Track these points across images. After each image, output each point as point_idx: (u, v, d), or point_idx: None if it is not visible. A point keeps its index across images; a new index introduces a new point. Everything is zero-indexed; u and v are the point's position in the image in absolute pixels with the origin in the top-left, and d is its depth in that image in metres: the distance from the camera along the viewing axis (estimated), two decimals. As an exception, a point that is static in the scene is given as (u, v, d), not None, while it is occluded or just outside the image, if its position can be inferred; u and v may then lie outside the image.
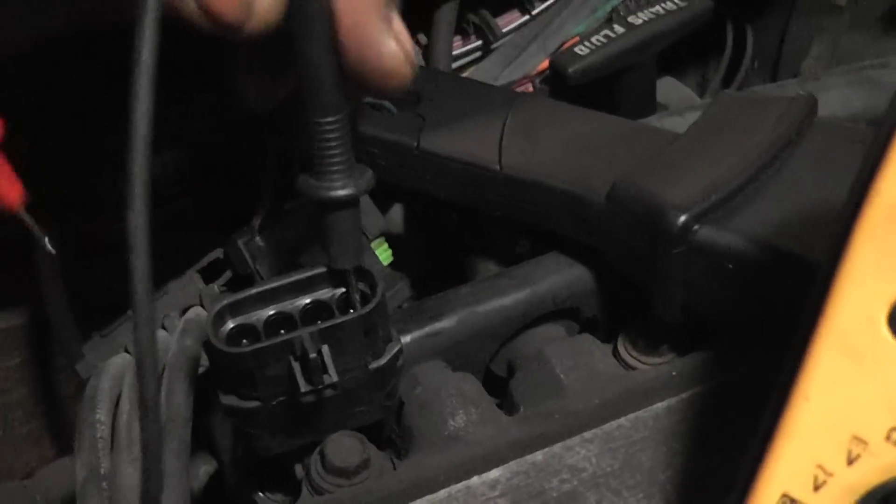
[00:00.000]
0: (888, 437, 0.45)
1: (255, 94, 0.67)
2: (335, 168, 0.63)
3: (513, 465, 0.65)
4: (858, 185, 0.46)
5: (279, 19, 0.57)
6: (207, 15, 0.55)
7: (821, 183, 0.70)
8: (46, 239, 0.72)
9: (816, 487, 0.46)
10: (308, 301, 0.66)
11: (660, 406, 0.68)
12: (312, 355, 0.63)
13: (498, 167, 0.75)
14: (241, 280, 0.79)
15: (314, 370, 0.63)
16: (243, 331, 0.66)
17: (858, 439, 0.46)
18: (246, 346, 0.64)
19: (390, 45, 0.61)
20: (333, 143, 0.62)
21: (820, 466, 0.46)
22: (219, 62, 0.67)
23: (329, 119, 0.61)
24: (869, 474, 0.46)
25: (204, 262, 0.83)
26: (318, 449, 0.69)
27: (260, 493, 0.73)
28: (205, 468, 0.77)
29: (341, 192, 0.63)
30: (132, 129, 0.51)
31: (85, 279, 0.91)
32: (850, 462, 0.46)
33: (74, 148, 0.91)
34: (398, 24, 0.62)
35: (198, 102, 0.86)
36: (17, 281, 0.97)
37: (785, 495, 0.47)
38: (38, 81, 0.85)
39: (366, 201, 0.78)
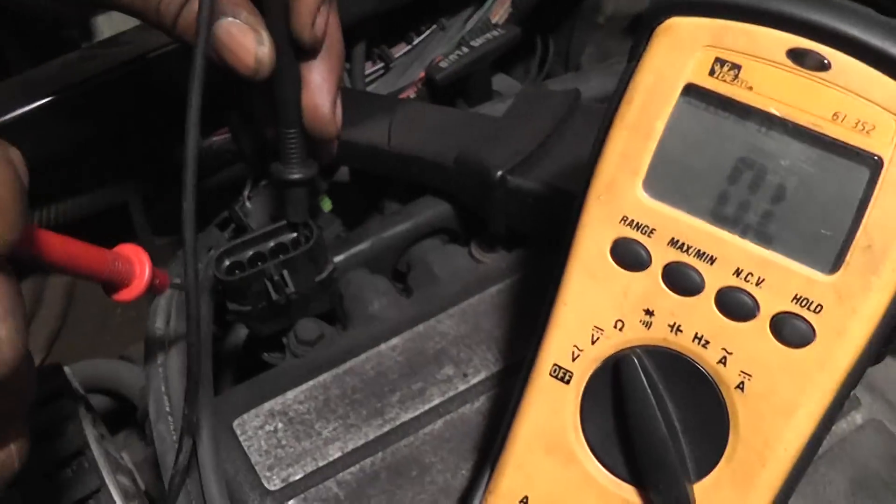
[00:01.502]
0: (615, 326, 0.43)
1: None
2: (293, 160, 0.61)
3: (406, 334, 0.62)
4: (589, 166, 0.43)
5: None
6: (242, 69, 0.56)
7: (583, 145, 0.63)
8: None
9: (574, 359, 0.44)
10: (273, 243, 0.63)
11: (494, 289, 0.64)
12: (277, 278, 0.60)
13: (388, 147, 0.70)
14: (240, 229, 0.76)
15: (279, 286, 0.60)
16: (234, 265, 0.62)
17: (597, 328, 0.43)
18: (236, 276, 0.60)
19: (331, 130, 0.62)
20: (293, 145, 0.60)
21: (575, 346, 0.44)
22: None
23: (290, 130, 0.60)
24: (604, 349, 0.43)
25: (218, 219, 0.79)
26: (292, 329, 0.65)
27: (266, 353, 0.69)
28: (243, 332, 0.73)
29: (295, 176, 0.61)
30: (187, 144, 0.50)
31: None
32: (593, 342, 0.43)
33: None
34: (339, 109, 0.62)
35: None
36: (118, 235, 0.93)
37: (555, 364, 0.44)
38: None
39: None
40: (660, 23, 0.40)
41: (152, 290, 0.51)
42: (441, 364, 0.60)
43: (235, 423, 0.58)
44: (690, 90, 0.39)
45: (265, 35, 0.56)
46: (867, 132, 0.37)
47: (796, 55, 0.38)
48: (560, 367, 0.43)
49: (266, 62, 0.56)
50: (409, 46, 0.90)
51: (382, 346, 0.61)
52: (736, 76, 0.38)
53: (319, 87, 0.60)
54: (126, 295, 0.49)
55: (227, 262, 0.61)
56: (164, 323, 0.64)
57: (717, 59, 0.39)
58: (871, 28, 0.37)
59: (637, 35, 0.41)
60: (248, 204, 0.73)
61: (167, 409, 0.58)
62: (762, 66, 0.38)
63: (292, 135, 0.59)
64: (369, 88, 0.88)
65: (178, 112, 0.81)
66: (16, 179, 0.35)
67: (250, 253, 0.61)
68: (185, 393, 0.52)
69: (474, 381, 0.59)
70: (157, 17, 0.56)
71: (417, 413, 0.58)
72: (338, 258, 0.68)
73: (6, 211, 0.34)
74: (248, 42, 0.56)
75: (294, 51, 0.58)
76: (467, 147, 0.66)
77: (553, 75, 1.06)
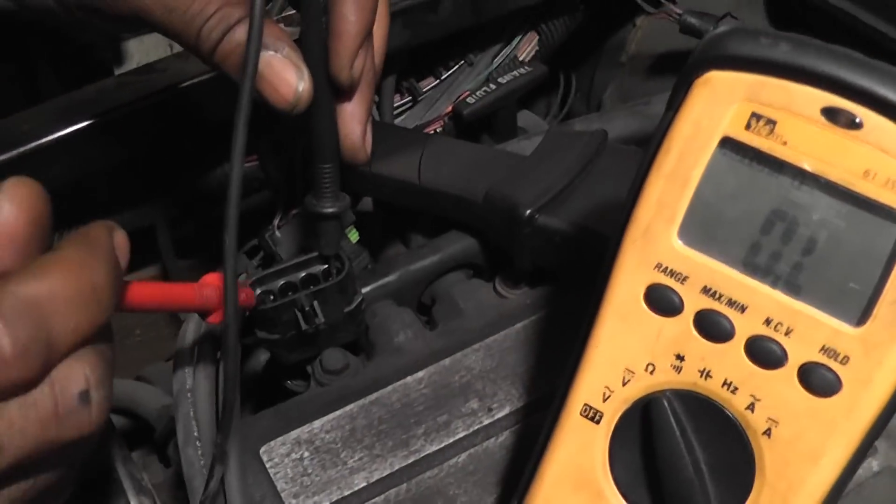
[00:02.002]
0: (646, 369, 0.44)
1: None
2: (326, 194, 0.61)
3: (431, 368, 0.63)
4: (625, 211, 0.44)
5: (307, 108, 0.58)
6: (280, 103, 0.57)
7: (609, 185, 0.67)
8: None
9: (605, 399, 0.45)
10: (304, 274, 0.64)
11: (520, 325, 0.66)
12: (307, 308, 0.61)
13: (418, 181, 0.72)
14: (269, 258, 0.77)
15: (309, 317, 0.61)
16: (266, 293, 0.63)
17: (629, 370, 0.44)
18: (267, 305, 0.61)
19: (361, 158, 0.64)
20: (327, 179, 0.61)
21: (606, 386, 0.45)
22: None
23: (326, 165, 0.61)
24: (635, 390, 0.44)
25: (247, 246, 0.81)
26: (318, 358, 0.66)
27: (289, 381, 0.70)
28: (264, 356, 0.75)
29: (329, 210, 0.62)
30: (232, 169, 0.48)
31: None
32: (624, 384, 0.45)
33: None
34: (369, 137, 0.64)
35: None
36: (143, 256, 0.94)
37: (586, 404, 0.45)
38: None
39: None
40: (699, 75, 0.41)
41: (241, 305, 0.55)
42: (466, 398, 0.61)
43: (262, 449, 0.59)
44: (727, 142, 0.41)
45: (305, 71, 0.57)
46: (897, 190, 0.39)
47: (830, 113, 0.39)
48: (591, 407, 0.45)
49: (305, 98, 0.57)
50: (437, 81, 0.92)
51: (408, 379, 0.62)
52: (771, 131, 0.40)
53: (351, 116, 0.62)
54: (219, 317, 0.54)
55: (258, 291, 0.62)
56: (192, 348, 0.65)
57: (754, 114, 0.40)
58: (904, 90, 0.38)
59: (676, 86, 0.43)
60: (277, 233, 0.74)
61: (195, 433, 0.59)
62: (797, 121, 0.40)
63: (327, 169, 0.60)
64: (396, 121, 0.90)
65: (207, 138, 0.83)
66: (112, 264, 0.40)
67: (281, 282, 0.63)
68: (218, 422, 0.53)
69: (499, 415, 0.60)
70: (197, 41, 0.57)
71: (442, 445, 0.59)
72: (365, 289, 0.69)
73: (102, 296, 0.39)
74: (289, 77, 0.56)
75: (331, 87, 0.59)
76: (496, 184, 0.68)
77: (574, 112, 1.08)
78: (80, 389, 0.38)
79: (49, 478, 0.41)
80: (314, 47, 0.58)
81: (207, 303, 0.52)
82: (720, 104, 0.41)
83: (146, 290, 0.47)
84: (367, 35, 0.59)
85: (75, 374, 0.38)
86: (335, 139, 0.61)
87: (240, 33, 0.56)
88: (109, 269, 0.39)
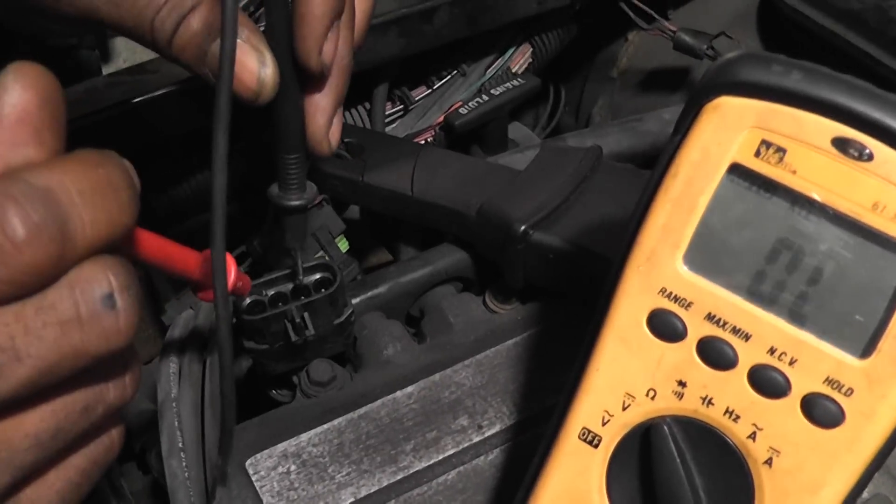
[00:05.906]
0: (647, 394, 0.44)
1: None
2: (292, 186, 0.59)
3: (421, 383, 0.63)
4: (629, 234, 0.44)
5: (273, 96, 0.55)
6: (243, 91, 0.53)
7: (604, 203, 0.68)
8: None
9: (604, 423, 0.45)
10: (294, 284, 0.63)
11: (511, 342, 0.66)
12: (297, 320, 0.60)
13: (410, 193, 0.72)
14: (258, 264, 0.76)
15: (299, 328, 0.61)
16: (256, 304, 0.62)
17: (629, 395, 0.44)
18: (257, 315, 0.61)
19: (324, 150, 0.60)
20: (293, 170, 0.59)
21: (606, 411, 0.45)
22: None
23: (291, 155, 0.58)
24: (635, 416, 0.44)
25: (235, 253, 0.80)
26: (304, 369, 0.65)
27: (274, 391, 0.69)
28: (245, 363, 0.73)
29: (295, 202, 0.60)
30: (214, 169, 0.43)
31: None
32: (624, 409, 0.44)
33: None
34: (337, 124, 0.60)
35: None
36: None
37: (584, 427, 0.45)
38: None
39: (330, 212, 0.75)
40: (709, 100, 0.41)
41: (236, 292, 0.51)
42: (456, 414, 0.61)
43: (248, 462, 0.58)
44: (735, 169, 0.40)
45: (268, 56, 0.53)
46: (905, 224, 0.39)
47: (840, 143, 0.39)
48: (589, 431, 0.44)
49: (269, 85, 0.53)
50: (430, 90, 0.91)
51: (398, 393, 0.62)
52: (781, 159, 0.40)
53: (316, 106, 0.58)
54: (211, 295, 0.50)
55: (248, 300, 0.61)
56: (177, 354, 0.64)
57: (764, 141, 0.40)
58: (915, 123, 0.38)
59: (685, 109, 0.42)
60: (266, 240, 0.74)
61: (180, 444, 0.58)
62: (807, 151, 0.39)
63: (293, 160, 0.58)
64: (387, 129, 0.90)
65: (190, 143, 0.83)
66: (129, 171, 0.37)
67: (271, 292, 0.62)
68: (218, 445, 0.53)
69: (489, 433, 0.60)
70: (152, 34, 0.53)
71: (431, 462, 0.59)
72: (354, 300, 0.69)
73: (121, 196, 0.36)
74: (249, 62, 0.52)
75: (297, 73, 0.55)
76: (491, 198, 0.68)
77: (562, 125, 1.08)
78: (103, 292, 0.36)
79: (83, 413, 0.38)
80: (279, 31, 0.54)
81: (204, 277, 0.48)
82: (729, 130, 0.40)
83: (154, 240, 0.44)
84: (336, 17, 0.55)
85: (97, 276, 0.36)
86: (301, 128, 0.58)
87: (195, 21, 0.52)
88: (126, 173, 0.37)
